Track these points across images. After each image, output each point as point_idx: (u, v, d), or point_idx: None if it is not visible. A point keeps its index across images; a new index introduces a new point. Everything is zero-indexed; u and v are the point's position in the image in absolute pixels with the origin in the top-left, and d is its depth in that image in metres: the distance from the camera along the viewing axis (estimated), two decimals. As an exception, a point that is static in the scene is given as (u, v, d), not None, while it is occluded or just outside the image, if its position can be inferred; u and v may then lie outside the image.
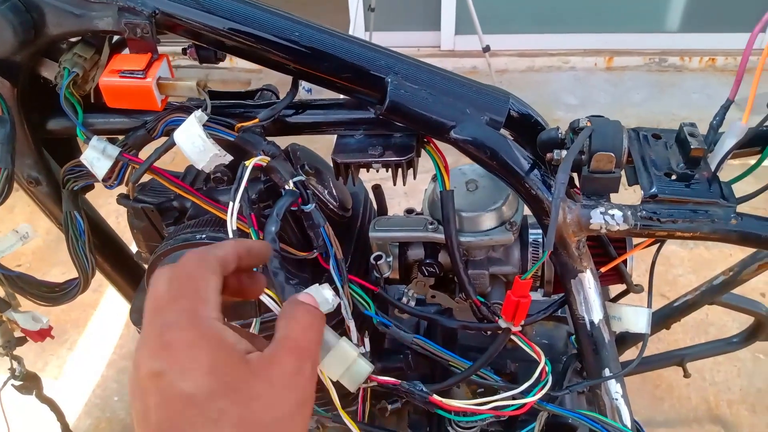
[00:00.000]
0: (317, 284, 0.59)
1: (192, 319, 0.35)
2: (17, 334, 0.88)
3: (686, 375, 1.09)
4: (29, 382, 0.94)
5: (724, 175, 0.62)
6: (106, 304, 2.31)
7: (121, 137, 0.64)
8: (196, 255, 0.39)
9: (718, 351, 1.10)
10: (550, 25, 3.16)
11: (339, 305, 0.63)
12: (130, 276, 0.83)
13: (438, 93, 0.58)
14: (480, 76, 3.19)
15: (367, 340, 0.66)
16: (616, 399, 0.66)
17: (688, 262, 2.31)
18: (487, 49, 2.65)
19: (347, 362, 0.56)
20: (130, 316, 0.73)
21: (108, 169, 0.60)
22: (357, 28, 3.07)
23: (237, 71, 3.21)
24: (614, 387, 0.66)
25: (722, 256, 2.31)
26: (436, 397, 0.58)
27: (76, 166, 0.67)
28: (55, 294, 0.72)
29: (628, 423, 0.67)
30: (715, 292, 0.95)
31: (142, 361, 0.35)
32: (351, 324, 0.64)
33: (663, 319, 1.01)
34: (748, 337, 1.06)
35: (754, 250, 0.91)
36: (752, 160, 0.62)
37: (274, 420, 0.34)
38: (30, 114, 0.65)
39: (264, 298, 0.57)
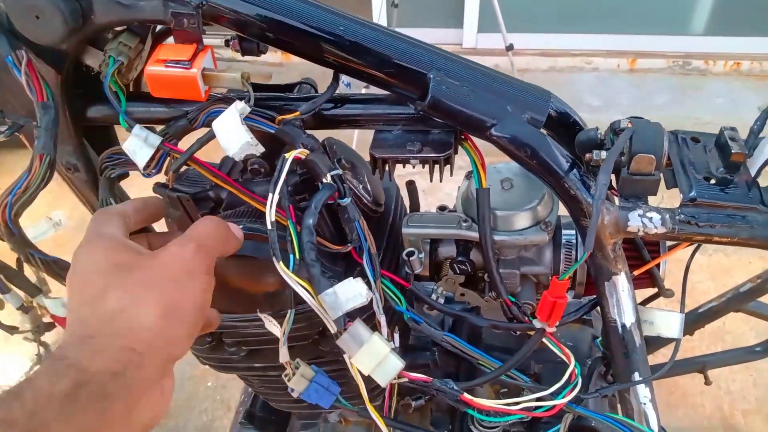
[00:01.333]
0: (351, 278, 0.59)
1: (97, 234, 0.52)
2: (46, 320, 0.89)
3: (707, 382, 1.09)
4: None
5: (764, 182, 0.62)
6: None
7: (160, 127, 0.65)
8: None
9: (740, 359, 1.10)
10: (574, 25, 3.15)
11: (371, 300, 0.64)
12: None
13: (479, 90, 0.58)
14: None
15: (397, 336, 0.66)
16: (644, 403, 0.66)
17: (707, 269, 2.29)
18: (510, 47, 2.64)
19: (379, 357, 0.57)
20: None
21: (149, 158, 0.61)
22: (380, 23, 3.08)
23: (259, 65, 3.22)
24: (643, 391, 0.66)
25: (741, 264, 2.29)
26: (467, 395, 0.58)
27: (114, 154, 0.67)
28: (89, 279, 0.72)
29: (656, 428, 0.67)
30: (741, 299, 0.94)
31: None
32: (382, 319, 0.64)
33: (687, 325, 1.00)
34: (773, 345, 1.05)
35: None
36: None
37: (156, 284, 0.47)
38: (72, 101, 0.66)
39: (299, 289, 0.58)
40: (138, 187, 0.80)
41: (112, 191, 0.71)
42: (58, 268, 0.69)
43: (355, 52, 0.58)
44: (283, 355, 0.64)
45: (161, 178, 0.68)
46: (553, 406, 0.60)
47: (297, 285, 0.58)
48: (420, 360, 0.82)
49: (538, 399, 0.60)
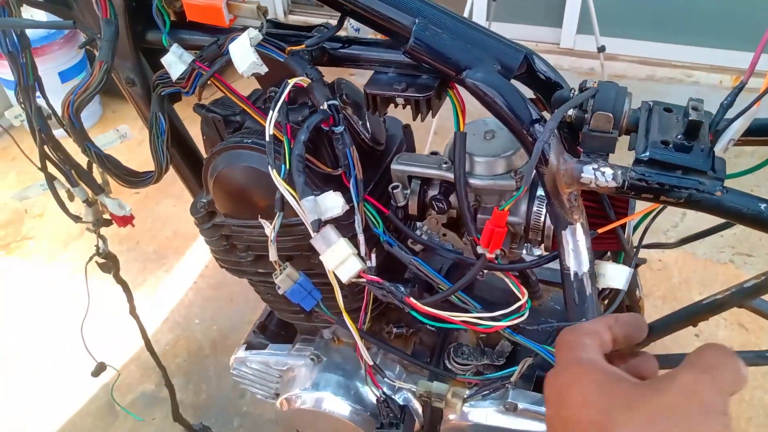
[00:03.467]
0: (331, 191, 0.68)
1: (576, 361, 0.45)
2: (105, 216, 1.05)
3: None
4: (110, 261, 1.11)
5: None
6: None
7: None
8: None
9: (748, 362, 1.07)
10: (677, 35, 3.04)
11: (354, 220, 0.73)
12: (199, 177, 0.97)
13: (458, 38, 0.65)
14: (596, 77, 3.12)
15: (374, 255, 0.74)
16: (589, 349, 0.70)
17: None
18: (602, 49, 2.61)
19: (342, 257, 0.66)
20: (190, 208, 0.86)
21: (182, 73, 0.73)
22: (477, 16, 3.12)
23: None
24: (589, 337, 0.70)
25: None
26: (411, 299, 0.66)
27: (166, 73, 0.80)
28: (133, 179, 0.86)
29: (599, 375, 0.71)
30: (745, 295, 0.94)
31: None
32: (361, 237, 0.73)
33: (689, 316, 1.01)
34: (784, 352, 1.03)
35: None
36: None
37: (669, 422, 0.38)
38: (134, 24, 0.80)
39: (286, 194, 0.68)
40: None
41: (161, 107, 0.84)
42: (107, 162, 0.83)
43: (356, -3, 0.67)
44: (272, 254, 0.74)
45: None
46: (492, 326, 0.66)
47: (285, 190, 0.69)
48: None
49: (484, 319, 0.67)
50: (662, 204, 0.65)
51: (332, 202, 0.68)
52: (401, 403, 0.89)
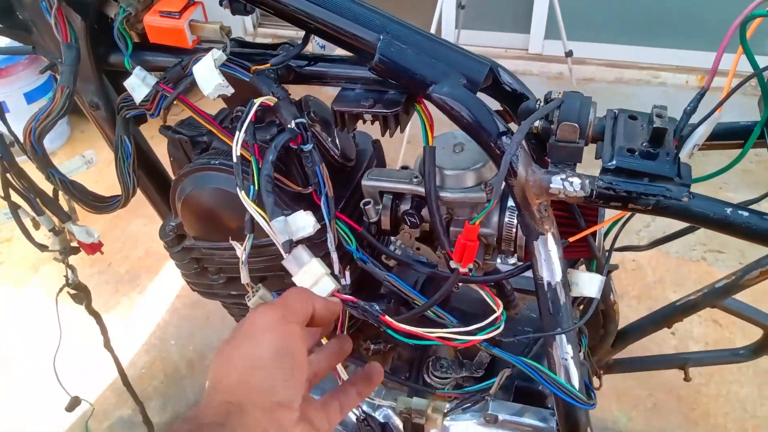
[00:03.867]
0: (301, 210, 0.68)
1: None
2: (73, 244, 1.03)
3: (687, 378, 1.09)
4: (81, 292, 1.09)
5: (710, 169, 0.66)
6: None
7: (164, 74, 0.76)
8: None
9: (723, 360, 1.09)
10: (643, 38, 3.10)
11: (326, 239, 0.72)
12: (168, 199, 0.96)
13: (423, 53, 0.65)
14: (565, 82, 3.18)
15: (347, 273, 0.74)
16: (565, 359, 0.71)
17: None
18: (569, 54, 2.65)
19: (315, 277, 0.65)
20: (159, 233, 0.84)
21: (146, 96, 0.72)
22: (446, 24, 3.15)
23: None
24: (565, 347, 0.71)
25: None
26: (387, 317, 0.65)
27: (130, 96, 0.79)
28: (100, 204, 0.84)
29: (576, 384, 0.71)
30: (717, 295, 0.95)
31: None
32: (334, 255, 0.72)
33: (665, 318, 1.03)
34: (757, 350, 1.05)
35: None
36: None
37: (239, 344, 0.51)
38: (96, 47, 0.78)
39: (256, 216, 0.67)
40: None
41: (126, 129, 0.82)
42: (72, 188, 0.81)
43: (320, 14, 0.67)
44: (244, 277, 0.73)
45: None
46: (468, 341, 0.65)
47: (254, 212, 0.68)
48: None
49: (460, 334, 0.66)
50: (631, 211, 0.66)
51: (303, 222, 0.67)
52: (381, 421, 0.88)
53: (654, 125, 0.63)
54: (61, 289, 1.07)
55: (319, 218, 0.71)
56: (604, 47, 3.15)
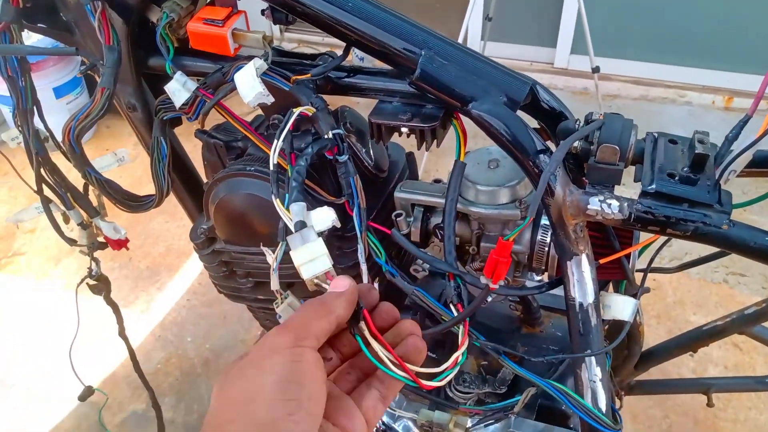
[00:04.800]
0: (325, 206, 0.66)
1: None
2: (100, 239, 1.04)
3: (710, 404, 1.08)
4: (102, 283, 1.10)
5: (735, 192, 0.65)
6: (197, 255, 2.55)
7: (204, 79, 0.76)
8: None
9: (748, 388, 1.08)
10: (670, 56, 3.08)
11: (356, 248, 0.72)
12: (198, 202, 0.96)
13: (464, 70, 0.65)
14: (589, 98, 3.16)
15: (376, 285, 0.74)
16: (594, 381, 0.70)
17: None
18: (596, 70, 2.63)
19: (314, 255, 0.60)
20: (190, 234, 0.85)
21: (186, 101, 0.73)
22: (473, 36, 3.14)
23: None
24: (594, 369, 0.70)
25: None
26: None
27: (168, 99, 0.80)
28: (134, 203, 0.85)
29: (604, 407, 0.71)
30: (746, 321, 0.94)
31: None
32: (363, 267, 0.72)
33: (690, 342, 1.02)
34: (783, 379, 1.03)
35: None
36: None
37: (255, 387, 0.43)
38: (136, 50, 0.79)
39: (288, 221, 0.66)
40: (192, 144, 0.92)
41: (163, 131, 0.83)
42: (108, 187, 0.82)
43: (362, 27, 0.67)
44: (274, 283, 0.73)
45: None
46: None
47: (287, 219, 0.68)
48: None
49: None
50: (669, 236, 0.65)
51: (323, 216, 0.65)
52: (402, 433, 0.88)
53: (696, 151, 0.63)
54: (82, 280, 1.08)
55: (350, 229, 0.71)
56: (630, 64, 3.13)
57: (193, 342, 2.22)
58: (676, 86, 3.10)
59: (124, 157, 0.98)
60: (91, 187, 1.00)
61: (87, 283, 1.06)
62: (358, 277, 0.76)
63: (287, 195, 0.67)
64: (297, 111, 0.68)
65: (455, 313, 0.68)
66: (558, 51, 3.28)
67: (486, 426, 0.81)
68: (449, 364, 0.64)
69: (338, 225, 0.64)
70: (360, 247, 0.72)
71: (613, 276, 0.75)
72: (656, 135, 0.69)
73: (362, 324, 0.54)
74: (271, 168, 0.68)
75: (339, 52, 0.77)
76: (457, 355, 0.65)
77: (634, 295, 0.78)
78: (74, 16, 0.76)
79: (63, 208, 0.94)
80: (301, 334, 0.46)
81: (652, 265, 1.05)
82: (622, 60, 3.11)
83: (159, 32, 0.72)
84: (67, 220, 0.97)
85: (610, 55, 2.97)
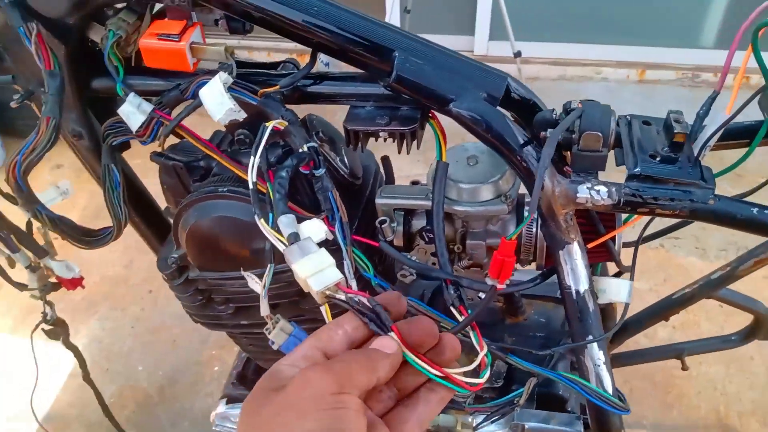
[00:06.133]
0: (314, 218, 0.62)
1: None
2: (52, 280, 0.96)
3: (684, 368, 1.12)
4: (59, 327, 1.02)
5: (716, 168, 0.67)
6: (135, 280, 2.42)
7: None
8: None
9: (717, 347, 1.13)
10: (584, 35, 3.19)
11: (343, 267, 0.68)
12: (158, 229, 0.90)
13: (440, 69, 0.64)
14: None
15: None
16: (598, 365, 0.71)
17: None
18: (518, 54, 2.69)
19: (321, 265, 0.56)
20: (157, 264, 0.80)
21: (141, 124, 0.67)
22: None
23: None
24: (596, 353, 0.71)
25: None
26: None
27: (116, 122, 0.74)
28: (91, 238, 0.79)
29: (610, 389, 0.71)
30: (713, 286, 0.98)
31: None
32: (353, 284, 0.69)
33: (662, 310, 1.05)
34: (747, 335, 1.08)
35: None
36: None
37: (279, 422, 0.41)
38: (77, 73, 0.73)
39: (275, 242, 0.62)
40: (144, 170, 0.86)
41: (113, 158, 0.77)
42: (62, 225, 0.76)
43: (329, 32, 0.64)
44: (264, 309, 0.69)
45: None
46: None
47: (275, 239, 0.64)
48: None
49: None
50: (657, 216, 0.66)
51: (314, 228, 0.62)
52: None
53: (675, 130, 0.64)
54: (37, 326, 1.00)
55: (332, 243, 0.68)
56: (547, 46, 3.22)
57: (145, 370, 2.11)
58: (592, 64, 3.22)
59: (67, 190, 0.90)
60: (35, 226, 0.92)
61: (42, 329, 0.98)
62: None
63: (270, 213, 0.63)
64: (270, 125, 0.64)
65: (460, 319, 0.67)
66: (477, 38, 3.33)
67: (492, 422, 0.80)
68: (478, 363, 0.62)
69: (330, 237, 0.61)
70: (346, 263, 0.69)
71: (600, 259, 0.75)
72: (629, 117, 0.70)
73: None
74: (251, 188, 0.64)
75: (299, 59, 0.74)
76: (482, 355, 0.63)
77: (618, 275, 0.80)
78: (4, 42, 0.69)
79: (7, 251, 0.86)
80: (345, 382, 0.43)
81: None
82: (540, 43, 3.19)
83: (107, 52, 0.66)
84: (12, 265, 0.89)
85: (527, 38, 3.03)
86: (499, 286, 0.63)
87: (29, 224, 0.91)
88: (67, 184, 0.92)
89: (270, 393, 0.43)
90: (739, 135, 0.74)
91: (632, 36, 3.11)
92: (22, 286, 0.90)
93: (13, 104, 0.73)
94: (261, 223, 0.63)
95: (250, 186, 0.63)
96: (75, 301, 2.34)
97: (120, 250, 2.53)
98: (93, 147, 0.79)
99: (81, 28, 0.69)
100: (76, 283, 0.94)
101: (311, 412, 0.41)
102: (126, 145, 0.79)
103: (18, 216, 0.91)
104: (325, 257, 0.55)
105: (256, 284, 0.70)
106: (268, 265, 0.65)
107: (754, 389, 1.93)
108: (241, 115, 0.64)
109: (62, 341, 1.04)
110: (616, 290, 0.70)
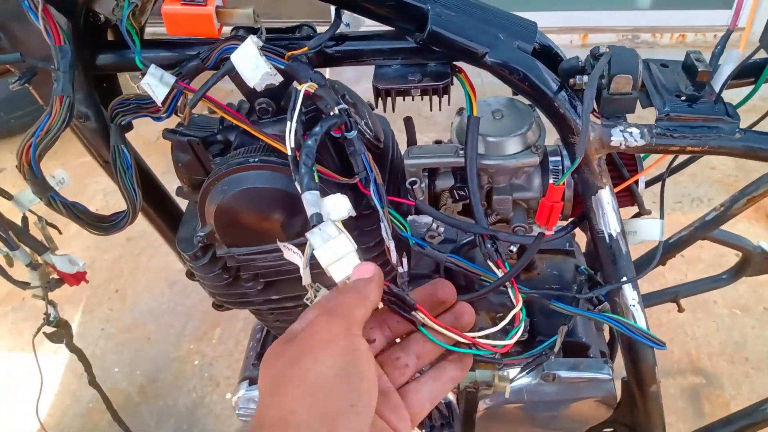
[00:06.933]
0: (338, 193, 0.61)
1: None
2: (54, 277, 0.91)
3: (680, 310, 1.17)
4: (61, 329, 0.97)
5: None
6: (98, 281, 2.33)
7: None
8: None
9: (709, 287, 1.19)
10: (526, 3, 3.23)
11: (380, 228, 0.68)
12: (168, 213, 0.87)
13: (473, 21, 0.63)
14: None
15: (405, 261, 0.71)
16: (633, 305, 0.73)
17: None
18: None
19: (341, 253, 0.55)
20: (178, 245, 0.77)
21: (166, 95, 0.64)
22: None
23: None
24: (631, 293, 0.73)
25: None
26: (423, 309, 0.57)
27: (126, 100, 0.70)
28: (105, 224, 0.75)
29: (644, 326, 0.74)
30: (707, 227, 1.02)
31: None
32: (391, 245, 0.69)
33: (660, 255, 1.09)
34: (736, 272, 1.14)
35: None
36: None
37: (317, 377, 0.43)
38: (82, 50, 0.69)
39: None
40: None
41: (123, 138, 0.73)
42: (76, 211, 0.72)
43: (357, -12, 0.63)
44: (306, 278, 0.67)
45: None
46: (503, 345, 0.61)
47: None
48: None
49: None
50: (688, 154, 0.68)
51: (338, 205, 0.61)
52: (444, 402, 0.87)
53: (699, 69, 0.66)
54: (39, 329, 0.95)
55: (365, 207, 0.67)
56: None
57: (122, 371, 2.05)
58: (537, 31, 3.28)
59: (63, 179, 0.86)
60: (30, 222, 0.87)
61: (44, 332, 0.93)
62: (383, 255, 0.73)
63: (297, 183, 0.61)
64: (302, 88, 0.63)
65: (499, 274, 0.67)
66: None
67: (528, 373, 0.81)
68: (508, 321, 0.63)
69: (353, 214, 0.59)
70: (384, 225, 0.69)
71: (623, 204, 0.78)
72: (647, 62, 0.72)
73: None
74: (289, 152, 0.62)
75: (315, 23, 0.72)
76: (517, 310, 0.64)
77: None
78: (5, 17, 0.64)
79: (6, 249, 0.81)
80: (350, 322, 0.46)
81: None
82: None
83: (124, 23, 0.62)
84: (11, 263, 0.84)
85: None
86: (547, 233, 0.64)
87: (24, 220, 0.86)
88: (62, 174, 0.87)
89: (284, 345, 0.46)
90: (744, 74, 0.77)
91: (573, 1, 3.19)
92: (25, 285, 0.85)
93: (13, 87, 0.68)
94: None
95: (288, 151, 0.61)
96: (37, 308, 2.22)
97: (80, 250, 2.42)
98: (100, 128, 0.74)
99: (86, 1, 0.65)
100: (79, 277, 0.89)
101: (326, 356, 0.43)
102: (128, 127, 0.76)
103: (13, 213, 0.86)
104: (344, 244, 0.54)
105: (294, 255, 0.69)
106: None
107: (720, 331, 2.04)
108: (277, 79, 0.62)
109: (66, 344, 0.99)
110: (647, 230, 0.72)
